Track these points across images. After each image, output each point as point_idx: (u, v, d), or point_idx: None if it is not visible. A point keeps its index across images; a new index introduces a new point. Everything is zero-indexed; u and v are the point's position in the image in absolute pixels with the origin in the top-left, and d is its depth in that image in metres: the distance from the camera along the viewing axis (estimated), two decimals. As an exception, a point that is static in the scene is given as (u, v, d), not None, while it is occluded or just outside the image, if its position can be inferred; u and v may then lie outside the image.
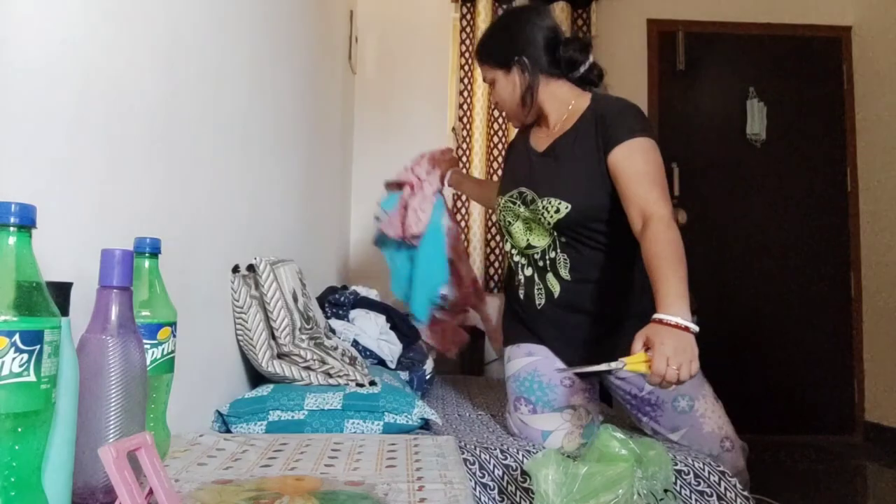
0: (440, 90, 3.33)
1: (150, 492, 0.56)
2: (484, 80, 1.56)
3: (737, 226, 3.43)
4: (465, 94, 3.27)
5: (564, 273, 1.44)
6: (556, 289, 1.46)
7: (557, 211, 1.40)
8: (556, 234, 1.43)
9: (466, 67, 3.29)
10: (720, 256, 3.41)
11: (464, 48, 3.30)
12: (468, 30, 3.31)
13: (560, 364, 1.45)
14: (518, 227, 1.50)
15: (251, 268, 1.41)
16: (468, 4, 3.31)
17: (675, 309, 1.15)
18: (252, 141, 1.51)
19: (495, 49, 1.50)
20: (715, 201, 3.43)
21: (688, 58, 3.44)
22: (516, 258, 1.54)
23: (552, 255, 1.45)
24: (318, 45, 2.31)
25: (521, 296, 1.52)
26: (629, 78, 3.42)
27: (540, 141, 1.51)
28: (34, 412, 0.48)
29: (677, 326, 1.13)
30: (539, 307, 1.48)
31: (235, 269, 1.36)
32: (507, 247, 1.57)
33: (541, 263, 1.47)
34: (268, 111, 1.66)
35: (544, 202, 1.42)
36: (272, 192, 1.71)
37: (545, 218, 1.42)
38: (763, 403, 3.31)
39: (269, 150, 1.67)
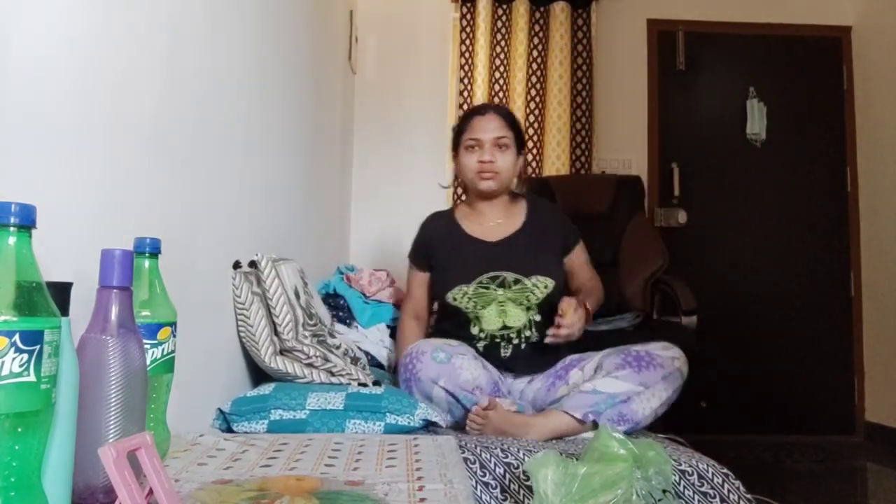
0: (440, 90, 3.33)
1: (150, 492, 0.56)
2: (496, 138, 1.71)
3: (737, 226, 3.43)
4: (465, 94, 3.27)
5: (533, 338, 1.65)
6: (522, 346, 1.65)
7: (546, 287, 1.64)
8: (535, 310, 1.64)
9: (466, 67, 3.29)
10: (720, 256, 3.41)
11: (464, 48, 3.30)
12: (468, 30, 3.30)
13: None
14: (491, 311, 1.64)
15: (253, 264, 1.41)
16: (468, 4, 3.30)
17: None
18: (252, 141, 1.51)
19: (520, 130, 1.79)
20: (715, 201, 3.43)
21: (688, 58, 3.44)
22: (481, 340, 1.65)
23: (527, 333, 1.65)
24: (318, 45, 2.31)
25: (481, 348, 1.64)
26: (629, 78, 3.42)
27: (487, 231, 1.75)
28: (34, 412, 0.48)
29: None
30: (504, 357, 1.65)
31: (237, 266, 1.36)
32: (475, 330, 1.65)
33: (515, 341, 1.65)
34: (268, 111, 1.66)
35: (533, 280, 1.64)
36: (272, 191, 1.71)
37: (535, 295, 1.64)
38: (763, 403, 3.31)
39: (269, 150, 1.67)
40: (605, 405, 1.43)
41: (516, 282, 1.64)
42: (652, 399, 1.45)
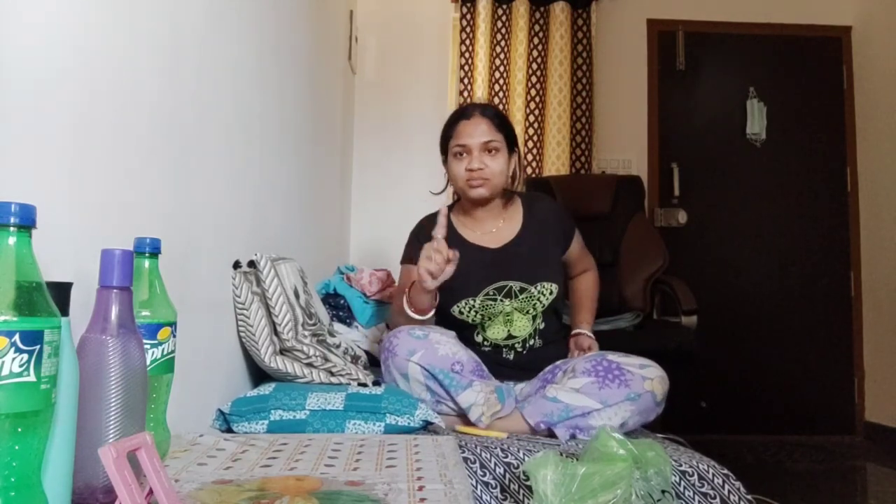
0: (440, 90, 3.33)
1: (150, 492, 0.56)
2: (484, 143, 1.60)
3: (737, 226, 3.43)
4: (465, 94, 3.27)
5: (537, 345, 1.64)
6: (524, 353, 1.63)
7: (551, 293, 1.61)
8: (540, 317, 1.62)
9: (466, 67, 3.29)
10: (720, 256, 3.41)
11: (464, 48, 3.30)
12: (468, 30, 3.30)
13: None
14: (498, 322, 1.61)
15: (252, 263, 1.41)
16: (468, 4, 3.31)
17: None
18: (252, 141, 1.51)
19: (510, 129, 1.67)
20: (715, 201, 3.43)
21: (688, 58, 3.44)
22: (485, 347, 1.62)
23: (531, 342, 1.63)
24: (318, 45, 2.31)
25: (484, 350, 1.62)
26: (629, 78, 3.42)
27: (487, 238, 1.67)
28: (34, 412, 0.48)
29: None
30: (506, 360, 1.62)
31: (236, 265, 1.36)
32: (478, 339, 1.63)
33: (519, 349, 1.63)
34: (268, 111, 1.66)
35: (539, 287, 1.60)
36: (273, 191, 1.71)
37: (541, 302, 1.60)
38: (763, 403, 3.31)
39: (269, 150, 1.67)
40: (559, 417, 1.38)
41: (522, 290, 1.59)
42: (613, 417, 1.38)
